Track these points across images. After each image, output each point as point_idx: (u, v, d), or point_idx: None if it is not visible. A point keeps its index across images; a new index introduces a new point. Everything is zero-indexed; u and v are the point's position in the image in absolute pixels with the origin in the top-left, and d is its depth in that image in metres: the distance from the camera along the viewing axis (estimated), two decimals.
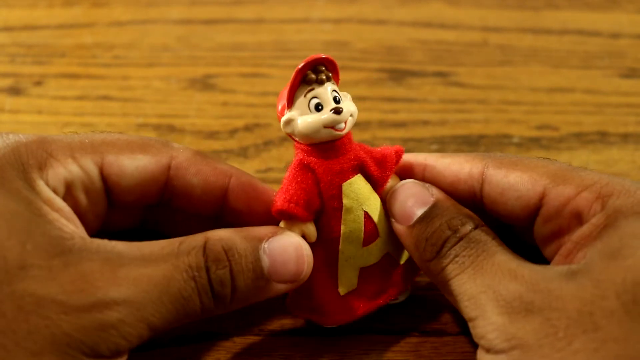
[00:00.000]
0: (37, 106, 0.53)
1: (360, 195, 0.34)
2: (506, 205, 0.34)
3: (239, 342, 0.36)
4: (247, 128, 0.51)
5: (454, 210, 0.33)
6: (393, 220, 0.34)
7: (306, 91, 0.33)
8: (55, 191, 0.31)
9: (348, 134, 0.34)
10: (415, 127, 0.51)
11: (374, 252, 0.35)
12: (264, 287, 0.32)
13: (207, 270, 0.30)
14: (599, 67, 0.57)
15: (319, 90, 0.33)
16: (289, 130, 0.33)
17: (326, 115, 0.32)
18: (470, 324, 0.31)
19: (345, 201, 0.33)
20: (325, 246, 0.34)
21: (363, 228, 0.34)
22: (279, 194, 0.33)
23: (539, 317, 0.28)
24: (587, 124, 0.52)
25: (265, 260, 0.32)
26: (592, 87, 0.55)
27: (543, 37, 0.61)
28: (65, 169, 0.32)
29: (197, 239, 0.31)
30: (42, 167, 0.31)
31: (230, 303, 0.31)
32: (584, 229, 0.31)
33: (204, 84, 0.55)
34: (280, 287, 0.32)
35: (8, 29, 0.62)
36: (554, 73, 0.57)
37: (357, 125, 0.51)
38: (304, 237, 0.33)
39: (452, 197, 0.35)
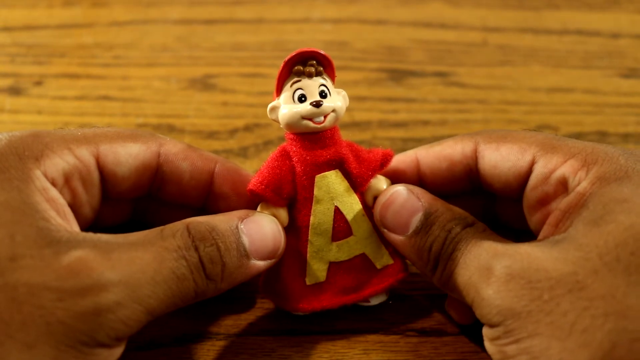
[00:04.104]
0: (37, 106, 0.53)
1: (332, 190, 0.35)
2: (500, 177, 0.35)
3: (239, 342, 0.36)
4: (247, 128, 0.51)
5: (447, 215, 0.33)
6: (386, 230, 0.35)
7: (292, 82, 0.34)
8: (53, 182, 0.31)
9: (333, 129, 0.35)
10: (415, 127, 0.51)
11: (344, 249, 0.35)
12: (247, 265, 0.33)
13: (196, 249, 0.31)
14: (599, 67, 0.57)
15: (305, 83, 0.34)
16: (273, 117, 0.35)
17: (304, 107, 0.33)
18: (473, 310, 0.31)
19: (316, 192, 0.35)
20: (296, 234, 0.35)
21: (332, 222, 0.35)
22: (254, 176, 0.35)
23: (520, 280, 0.29)
24: (587, 124, 0.52)
25: (245, 239, 0.33)
26: (592, 87, 0.55)
27: (543, 37, 0.61)
28: (62, 160, 0.32)
29: (177, 225, 0.31)
30: (39, 158, 0.31)
31: (221, 282, 0.32)
32: (571, 198, 0.32)
33: (204, 84, 0.55)
34: (260, 265, 0.33)
35: (8, 29, 0.62)
36: (554, 73, 0.57)
37: (357, 125, 0.52)
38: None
39: (451, 181, 0.36)
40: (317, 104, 0.33)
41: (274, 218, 0.34)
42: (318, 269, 0.35)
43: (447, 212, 0.33)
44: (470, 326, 0.36)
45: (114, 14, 0.64)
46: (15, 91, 0.54)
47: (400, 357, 0.35)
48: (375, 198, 0.35)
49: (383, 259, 0.36)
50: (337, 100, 0.34)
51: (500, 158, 0.34)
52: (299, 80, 0.34)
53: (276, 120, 0.35)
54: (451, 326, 0.37)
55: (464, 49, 0.59)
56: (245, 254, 0.33)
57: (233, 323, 0.37)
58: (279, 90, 0.35)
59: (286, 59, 0.34)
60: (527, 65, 0.58)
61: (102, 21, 0.63)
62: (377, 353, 0.35)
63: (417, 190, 0.34)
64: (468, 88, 0.55)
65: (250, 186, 0.35)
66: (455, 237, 0.32)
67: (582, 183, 0.31)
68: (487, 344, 0.31)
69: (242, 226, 0.33)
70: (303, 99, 0.34)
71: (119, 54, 0.59)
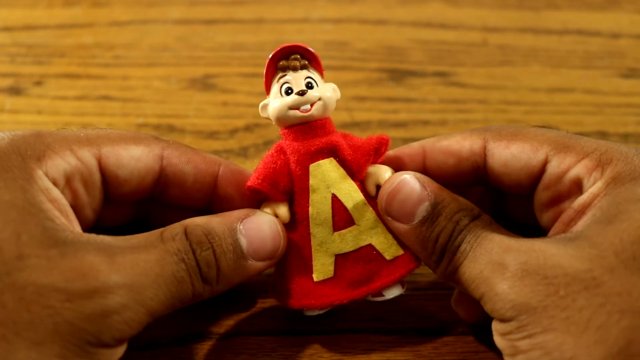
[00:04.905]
0: (37, 106, 0.53)
1: (328, 177, 0.35)
2: (510, 176, 0.34)
3: (239, 342, 0.36)
4: (247, 128, 0.51)
5: (454, 205, 0.33)
6: (390, 218, 0.34)
7: (279, 77, 0.35)
8: (55, 183, 0.31)
9: (324, 119, 0.35)
10: (415, 127, 0.51)
11: (348, 239, 0.35)
12: (245, 266, 0.33)
13: (194, 252, 0.31)
14: (599, 67, 0.57)
15: (290, 76, 0.35)
16: (265, 115, 0.35)
17: (290, 97, 0.34)
18: (481, 304, 0.31)
19: (311, 181, 0.35)
20: (298, 230, 0.35)
21: (331, 210, 0.35)
22: (252, 174, 0.35)
23: (536, 276, 0.29)
24: (587, 124, 0.52)
25: (243, 240, 0.33)
26: (592, 87, 0.55)
27: (543, 37, 0.61)
28: (64, 161, 0.32)
29: (176, 227, 0.32)
30: (41, 158, 0.31)
31: (217, 284, 0.32)
32: (585, 197, 0.31)
33: (204, 84, 0.55)
34: (259, 265, 0.33)
35: (8, 29, 0.62)
36: (554, 73, 0.57)
37: (357, 125, 0.52)
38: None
39: (458, 176, 0.36)
40: (302, 93, 0.34)
41: (273, 218, 0.34)
42: (324, 264, 0.35)
43: (453, 202, 0.33)
44: (470, 326, 0.36)
45: (114, 14, 0.64)
46: (15, 91, 0.54)
47: (400, 357, 0.35)
48: (378, 187, 0.35)
49: (392, 249, 0.35)
50: (325, 90, 0.35)
51: (511, 157, 0.34)
52: (285, 75, 0.35)
53: (268, 118, 0.35)
54: (451, 326, 0.37)
55: (464, 49, 0.59)
56: (242, 256, 0.33)
57: (233, 323, 0.37)
58: (268, 89, 0.35)
59: (270, 55, 0.34)
60: (527, 65, 0.58)
61: (102, 21, 0.63)
62: (377, 353, 0.36)
63: (424, 178, 0.34)
64: (468, 88, 0.55)
65: (248, 183, 0.35)
66: (463, 229, 0.32)
67: (597, 183, 0.31)
68: (498, 339, 0.30)
69: (241, 227, 0.33)
70: (290, 91, 0.34)
71: (119, 54, 0.59)
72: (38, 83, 0.55)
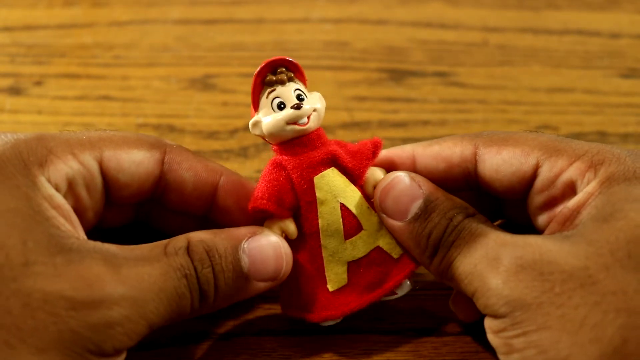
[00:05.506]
0: (37, 106, 0.53)
1: (334, 187, 0.34)
2: (502, 182, 0.34)
3: (239, 342, 0.36)
4: (247, 128, 0.51)
5: (448, 203, 0.33)
6: (384, 216, 0.34)
7: (267, 93, 0.34)
8: (57, 188, 0.31)
9: (318, 130, 0.35)
10: (415, 127, 0.51)
11: (359, 246, 0.35)
12: (245, 286, 0.33)
13: (195, 269, 0.31)
14: (599, 67, 0.57)
15: (280, 90, 0.34)
16: (257, 132, 0.35)
17: (286, 112, 0.34)
18: (474, 300, 0.31)
19: (318, 194, 0.34)
20: (308, 243, 0.35)
21: (341, 220, 0.34)
22: (253, 193, 0.34)
23: (531, 272, 0.29)
24: (587, 124, 0.52)
25: (245, 260, 0.32)
26: (592, 87, 0.55)
27: (543, 37, 0.61)
28: (66, 165, 0.32)
29: (180, 241, 0.32)
30: (43, 164, 0.31)
31: (214, 302, 0.32)
32: (579, 196, 0.31)
33: (204, 84, 0.55)
34: (261, 286, 0.33)
35: (8, 29, 0.62)
36: (554, 73, 0.57)
37: (357, 125, 0.52)
38: (285, 235, 0.34)
39: (448, 182, 0.35)
40: (297, 106, 0.33)
41: (279, 239, 0.34)
42: (338, 273, 0.35)
43: (447, 200, 0.33)
44: (470, 326, 0.36)
45: (114, 14, 0.64)
46: (15, 91, 0.54)
47: (400, 357, 0.35)
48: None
49: (398, 248, 0.35)
50: (315, 101, 0.34)
51: (502, 162, 0.34)
52: (274, 90, 0.34)
53: (260, 136, 0.35)
54: (451, 326, 0.37)
55: (464, 49, 0.59)
56: (242, 275, 0.32)
57: (233, 323, 0.37)
58: (255, 106, 0.35)
59: (256, 71, 0.34)
60: (527, 65, 0.58)
61: (102, 21, 0.63)
62: (377, 353, 0.36)
63: (418, 177, 0.34)
64: (468, 88, 0.55)
65: (251, 204, 0.34)
66: (457, 225, 0.32)
67: (591, 183, 0.31)
68: (491, 337, 0.30)
69: (245, 245, 0.33)
70: (282, 106, 0.34)
71: (119, 54, 0.59)
72: (38, 83, 0.55)
